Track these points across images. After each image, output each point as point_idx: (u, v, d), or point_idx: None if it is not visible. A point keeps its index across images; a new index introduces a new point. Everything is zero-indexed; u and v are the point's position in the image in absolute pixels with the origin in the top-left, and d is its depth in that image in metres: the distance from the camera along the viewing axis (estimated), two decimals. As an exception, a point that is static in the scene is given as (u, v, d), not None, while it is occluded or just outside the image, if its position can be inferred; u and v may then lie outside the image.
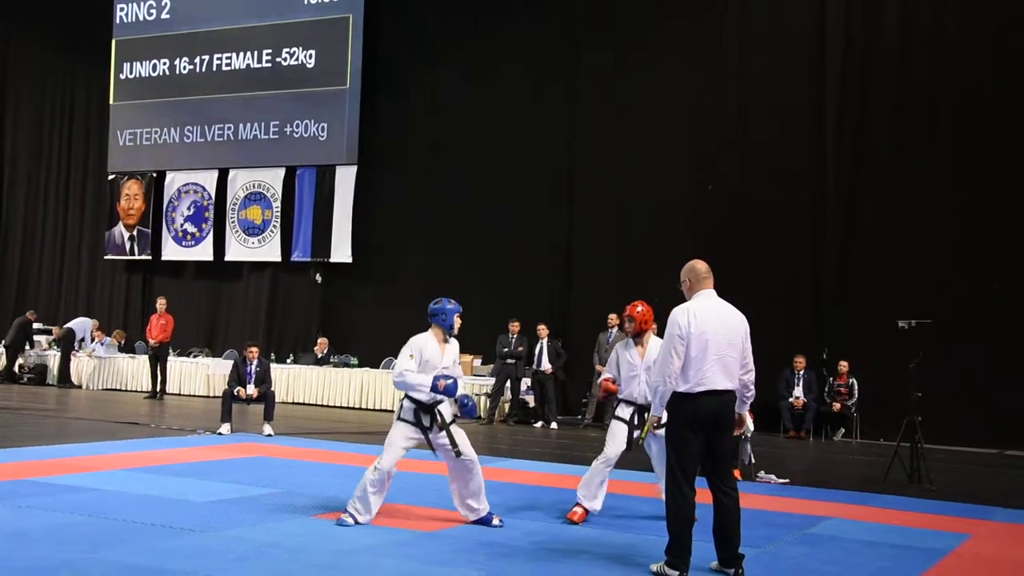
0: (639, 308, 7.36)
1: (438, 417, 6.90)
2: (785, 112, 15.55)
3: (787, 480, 9.84)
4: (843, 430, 14.75)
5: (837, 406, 14.60)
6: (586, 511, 7.23)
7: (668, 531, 5.64)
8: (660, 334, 6.21)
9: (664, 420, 5.68)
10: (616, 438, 7.29)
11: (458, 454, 6.87)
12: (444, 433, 6.89)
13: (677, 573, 5.56)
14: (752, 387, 5.83)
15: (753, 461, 9.90)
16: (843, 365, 14.64)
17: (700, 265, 5.85)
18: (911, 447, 10.02)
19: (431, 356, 6.92)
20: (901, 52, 14.94)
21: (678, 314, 5.67)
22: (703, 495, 5.74)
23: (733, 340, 5.67)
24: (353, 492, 6.89)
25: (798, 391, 14.71)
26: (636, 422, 7.27)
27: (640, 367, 7.28)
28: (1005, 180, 14.12)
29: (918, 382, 10.03)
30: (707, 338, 5.56)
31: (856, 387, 14.58)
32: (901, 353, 10.50)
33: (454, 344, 7.09)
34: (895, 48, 14.99)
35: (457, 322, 7.05)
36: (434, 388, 6.77)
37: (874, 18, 15.14)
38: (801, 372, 14.76)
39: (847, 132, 15.21)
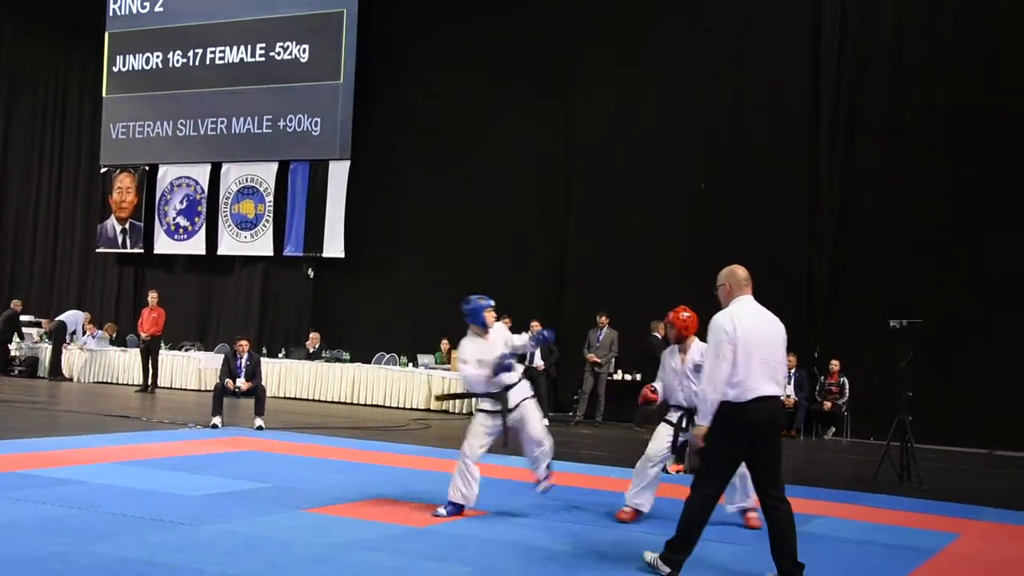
0: (683, 315, 7.31)
1: (506, 402, 7.15)
2: (779, 112, 15.57)
3: (777, 478, 9.84)
4: (833, 429, 14.80)
5: (828, 405, 14.64)
6: (634, 510, 7.26)
7: (677, 526, 5.54)
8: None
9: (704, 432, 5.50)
10: (658, 438, 7.32)
11: (505, 443, 7.20)
12: (512, 415, 7.16)
13: (668, 571, 5.49)
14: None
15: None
16: (834, 364, 14.68)
17: (741, 271, 5.66)
18: (901, 446, 10.05)
19: (481, 355, 7.17)
20: (896, 53, 14.96)
21: (722, 319, 5.48)
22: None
23: (776, 343, 5.55)
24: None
25: (789, 389, 14.72)
26: (684, 425, 7.27)
27: (680, 372, 7.32)
28: (999, 181, 14.14)
29: (909, 381, 10.07)
30: (752, 342, 5.39)
31: (847, 386, 14.62)
32: (892, 352, 10.52)
33: (497, 331, 7.31)
34: (890, 49, 15.00)
35: (489, 317, 7.28)
36: (496, 373, 7.05)
37: (869, 19, 15.15)
38: (792, 370, 14.77)
39: (841, 132, 15.22)
